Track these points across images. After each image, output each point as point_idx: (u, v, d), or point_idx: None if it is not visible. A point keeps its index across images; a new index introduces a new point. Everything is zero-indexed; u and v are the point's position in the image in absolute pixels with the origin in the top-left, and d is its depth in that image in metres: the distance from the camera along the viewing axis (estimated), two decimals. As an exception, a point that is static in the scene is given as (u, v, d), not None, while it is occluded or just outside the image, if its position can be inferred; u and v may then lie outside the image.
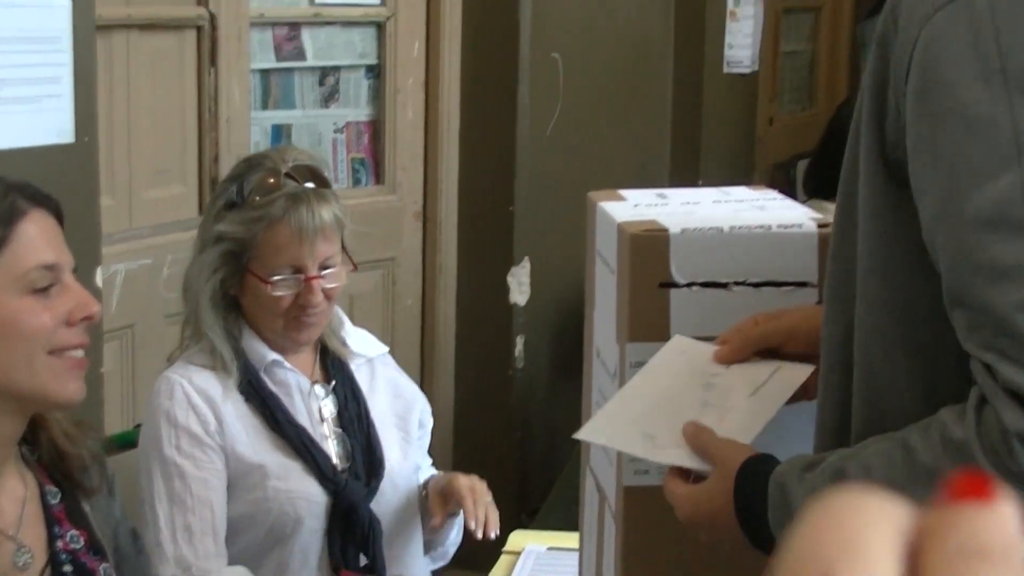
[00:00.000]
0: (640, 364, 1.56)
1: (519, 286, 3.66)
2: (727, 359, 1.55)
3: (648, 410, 1.48)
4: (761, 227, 1.59)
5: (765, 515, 1.37)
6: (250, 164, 2.32)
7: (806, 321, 1.56)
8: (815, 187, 3.76)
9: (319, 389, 2.32)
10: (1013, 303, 1.17)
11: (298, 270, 2.24)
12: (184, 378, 2.21)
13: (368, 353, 2.43)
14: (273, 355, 2.27)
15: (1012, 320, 1.16)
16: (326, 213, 2.26)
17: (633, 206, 1.69)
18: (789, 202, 1.78)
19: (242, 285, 2.27)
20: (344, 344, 2.39)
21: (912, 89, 1.23)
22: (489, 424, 3.72)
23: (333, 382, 2.35)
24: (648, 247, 1.56)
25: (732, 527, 1.39)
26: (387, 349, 2.51)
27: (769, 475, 1.38)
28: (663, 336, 1.53)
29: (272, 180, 2.27)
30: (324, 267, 2.26)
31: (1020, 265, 1.17)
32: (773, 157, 5.05)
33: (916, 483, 1.23)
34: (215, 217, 2.28)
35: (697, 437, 1.43)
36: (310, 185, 2.28)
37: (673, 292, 1.58)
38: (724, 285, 1.59)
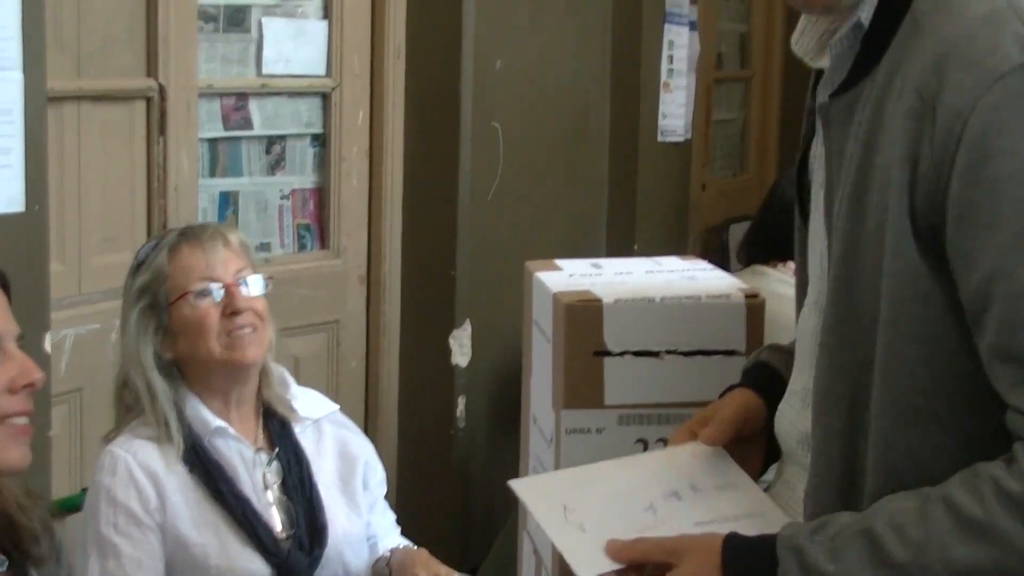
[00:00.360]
0: (576, 431, 1.58)
1: (460, 348, 3.65)
2: (713, 441, 1.53)
3: (588, 496, 1.44)
4: (691, 297, 1.64)
5: None
6: (155, 238, 2.37)
7: (743, 410, 1.59)
8: (754, 253, 3.75)
9: (263, 456, 2.27)
10: None
11: (215, 281, 2.21)
12: (128, 453, 2.17)
13: (314, 414, 2.37)
14: (217, 422, 2.22)
15: None
16: (225, 230, 2.29)
17: (568, 276, 1.72)
18: (719, 272, 1.81)
19: (172, 334, 2.23)
20: (290, 407, 2.34)
21: (965, 158, 1.24)
22: (431, 482, 3.70)
23: (276, 448, 2.30)
24: (582, 317, 1.59)
25: None
26: (336, 407, 2.46)
27: (759, 546, 1.36)
28: (598, 403, 1.58)
29: (163, 233, 2.35)
30: (241, 281, 2.24)
31: None
32: (707, 221, 5.06)
33: (965, 537, 1.24)
34: (129, 288, 2.27)
35: (651, 535, 1.41)
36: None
37: (607, 360, 1.61)
38: (656, 354, 1.63)
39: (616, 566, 1.39)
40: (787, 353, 1.69)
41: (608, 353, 1.60)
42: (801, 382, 1.53)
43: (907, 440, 1.33)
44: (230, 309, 2.20)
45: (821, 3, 1.45)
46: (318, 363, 3.52)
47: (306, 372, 3.37)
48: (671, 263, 1.86)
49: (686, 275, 1.76)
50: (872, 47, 1.39)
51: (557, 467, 1.63)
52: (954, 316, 1.30)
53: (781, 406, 1.57)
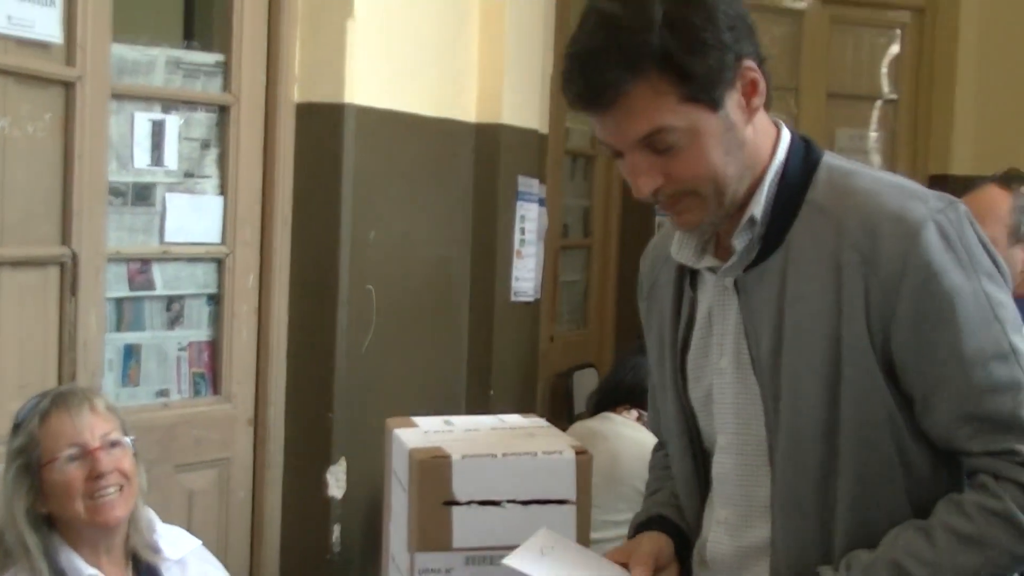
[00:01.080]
0: (428, 571, 1.58)
1: (336, 482, 3.63)
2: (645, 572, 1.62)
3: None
4: (528, 453, 1.64)
5: None
6: (35, 400, 2.31)
7: (656, 547, 1.70)
8: (604, 403, 3.83)
9: None
10: (1015, 406, 1.47)
11: (81, 447, 2.20)
12: None
13: (175, 555, 2.36)
14: (90, 570, 2.21)
15: (1017, 420, 1.46)
16: (92, 396, 2.27)
17: (423, 432, 1.72)
18: (554, 430, 1.84)
19: (43, 494, 2.20)
20: (156, 550, 2.32)
21: (912, 284, 1.47)
22: None
23: None
24: (433, 470, 1.59)
25: None
26: (200, 543, 2.44)
27: None
28: (447, 546, 1.58)
29: (36, 397, 2.29)
30: (109, 445, 2.22)
31: (1015, 380, 1.47)
32: (554, 369, 5.10)
33: (966, 549, 1.46)
34: (10, 441, 2.24)
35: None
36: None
37: (455, 509, 1.62)
38: (498, 503, 1.63)
39: None
40: (671, 505, 1.82)
41: (456, 503, 1.61)
42: (725, 514, 1.65)
43: (875, 504, 1.52)
44: (95, 473, 2.20)
45: (711, 225, 1.59)
46: (210, 495, 3.46)
47: (199, 504, 3.41)
48: (514, 420, 1.88)
49: (526, 432, 1.76)
50: (773, 233, 1.56)
51: None
52: (901, 403, 1.50)
53: (710, 535, 1.68)
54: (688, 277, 1.70)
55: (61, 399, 2.28)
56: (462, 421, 1.80)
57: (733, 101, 1.52)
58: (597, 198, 5.73)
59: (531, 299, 4.49)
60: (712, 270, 1.65)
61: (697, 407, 1.70)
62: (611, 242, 5.80)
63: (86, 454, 2.22)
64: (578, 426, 3.98)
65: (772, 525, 1.58)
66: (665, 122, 1.49)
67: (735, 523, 1.64)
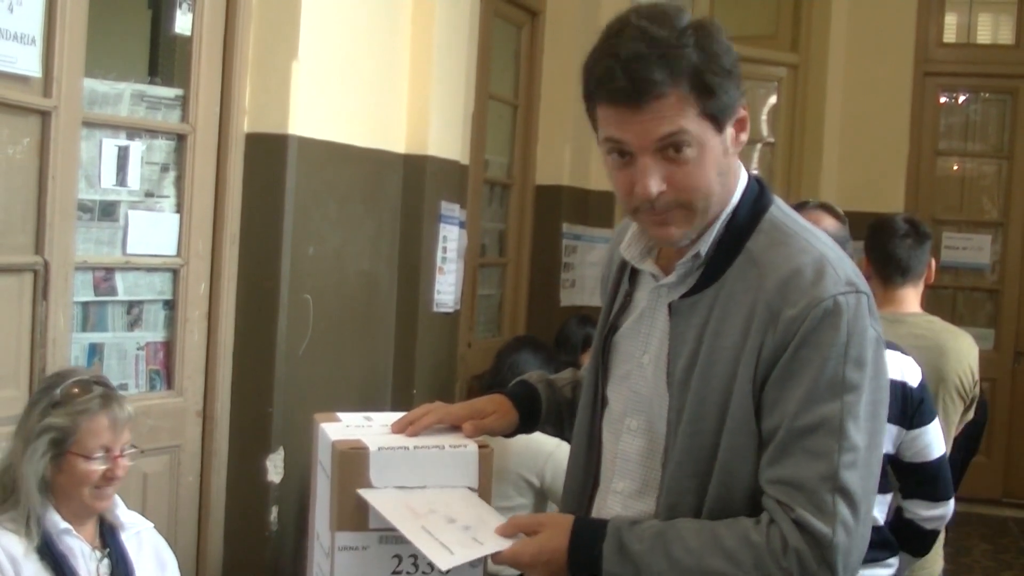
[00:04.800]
0: (346, 548, 1.56)
1: (275, 468, 3.64)
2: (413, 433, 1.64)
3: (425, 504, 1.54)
4: (437, 447, 1.63)
5: (595, 550, 1.51)
6: (60, 376, 2.40)
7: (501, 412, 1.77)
8: None
9: (97, 554, 2.37)
10: (814, 475, 1.46)
11: (108, 452, 2.31)
12: None
13: (133, 529, 2.47)
14: (65, 524, 2.30)
15: (813, 485, 1.46)
16: (129, 409, 2.36)
17: (345, 427, 1.70)
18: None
19: (60, 465, 2.29)
20: (119, 519, 2.44)
21: (792, 346, 1.48)
22: (250, 573, 3.65)
23: (108, 548, 2.40)
24: (353, 460, 1.58)
25: (562, 563, 1.52)
26: (152, 524, 2.54)
27: (596, 525, 1.54)
28: (364, 527, 1.57)
29: (84, 384, 2.34)
30: (126, 453, 2.36)
31: (828, 454, 1.45)
32: (471, 371, 5.13)
33: (714, 554, 1.48)
34: (41, 414, 2.29)
35: (516, 520, 1.56)
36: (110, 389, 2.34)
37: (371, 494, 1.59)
38: (410, 490, 1.61)
39: (482, 552, 1.51)
40: (541, 380, 1.88)
41: (372, 488, 1.60)
42: (622, 485, 1.68)
43: (733, 499, 1.55)
44: (110, 475, 2.33)
45: (686, 241, 1.59)
46: (162, 479, 3.48)
47: (153, 485, 3.43)
48: None
49: (436, 428, 1.73)
50: (712, 270, 1.58)
51: (333, 574, 1.58)
52: (758, 434, 1.53)
53: (605, 501, 1.70)
54: (628, 271, 1.73)
55: (108, 404, 2.35)
56: (380, 417, 1.79)
57: (729, 132, 1.56)
58: (511, 222, 5.77)
59: (451, 310, 4.50)
60: (653, 276, 1.67)
61: (613, 382, 1.72)
62: (523, 261, 5.83)
63: (109, 459, 2.33)
64: None
65: (657, 502, 1.61)
66: (688, 126, 1.51)
67: (629, 495, 1.67)
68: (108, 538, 2.41)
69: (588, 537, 1.54)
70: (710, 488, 1.56)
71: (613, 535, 1.54)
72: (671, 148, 1.52)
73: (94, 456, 2.32)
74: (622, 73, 1.49)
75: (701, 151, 1.53)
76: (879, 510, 2.65)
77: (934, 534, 2.79)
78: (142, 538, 2.50)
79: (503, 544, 1.52)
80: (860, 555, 1.52)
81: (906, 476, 2.72)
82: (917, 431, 2.67)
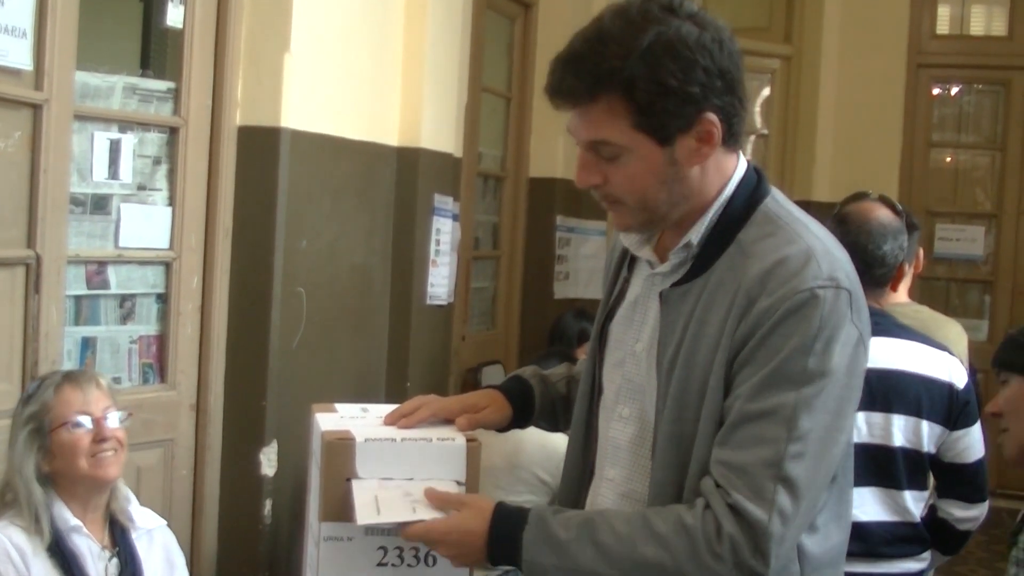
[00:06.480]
0: (332, 538, 1.56)
1: (268, 461, 3.64)
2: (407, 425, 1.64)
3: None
4: (424, 439, 1.62)
5: (516, 537, 1.49)
6: (42, 378, 2.46)
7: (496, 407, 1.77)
8: None
9: (106, 553, 2.38)
10: (757, 461, 1.45)
11: (88, 414, 2.33)
12: (4, 535, 2.25)
13: (145, 527, 2.48)
14: (74, 521, 2.33)
15: (755, 470, 1.44)
16: (97, 376, 2.42)
17: (340, 417, 1.69)
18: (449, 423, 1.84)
19: (51, 452, 2.32)
20: (130, 518, 2.45)
21: (761, 333, 1.48)
22: (244, 565, 3.66)
23: (117, 547, 2.41)
24: (339, 450, 1.58)
25: (478, 547, 1.51)
26: (165, 523, 2.55)
27: (517, 512, 1.52)
28: (349, 517, 1.56)
29: (51, 373, 2.44)
30: (109, 415, 2.37)
31: (775, 442, 1.44)
32: (465, 364, 5.13)
33: (645, 540, 1.46)
34: (19, 414, 2.36)
35: (440, 493, 1.55)
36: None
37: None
38: (395, 481, 1.59)
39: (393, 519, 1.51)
40: (535, 375, 1.88)
41: (358, 479, 1.58)
42: (613, 473, 1.67)
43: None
44: (98, 437, 2.35)
45: (640, 231, 1.63)
46: (156, 472, 3.49)
47: (146, 479, 3.42)
48: None
49: (429, 421, 1.71)
50: (703, 259, 1.58)
51: (319, 564, 1.58)
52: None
53: (599, 489, 1.70)
54: (628, 259, 1.74)
55: (72, 376, 2.42)
56: (377, 408, 1.77)
57: (685, 143, 1.53)
58: (505, 215, 5.79)
59: (445, 303, 4.50)
60: (650, 263, 1.68)
61: (607, 368, 1.72)
62: (517, 254, 5.86)
63: (92, 421, 2.35)
64: None
65: (653, 479, 1.61)
66: (608, 137, 1.52)
67: (620, 482, 1.67)
68: (118, 537, 2.43)
69: (509, 524, 1.53)
70: (687, 478, 1.55)
71: (535, 523, 1.52)
72: (598, 151, 1.55)
73: (73, 421, 2.35)
74: (555, 73, 1.52)
75: (632, 160, 1.54)
76: (916, 507, 2.67)
77: (967, 535, 2.80)
78: (153, 537, 2.52)
79: (434, 516, 1.52)
80: (793, 544, 1.51)
81: (944, 476, 2.73)
82: (960, 432, 2.69)
